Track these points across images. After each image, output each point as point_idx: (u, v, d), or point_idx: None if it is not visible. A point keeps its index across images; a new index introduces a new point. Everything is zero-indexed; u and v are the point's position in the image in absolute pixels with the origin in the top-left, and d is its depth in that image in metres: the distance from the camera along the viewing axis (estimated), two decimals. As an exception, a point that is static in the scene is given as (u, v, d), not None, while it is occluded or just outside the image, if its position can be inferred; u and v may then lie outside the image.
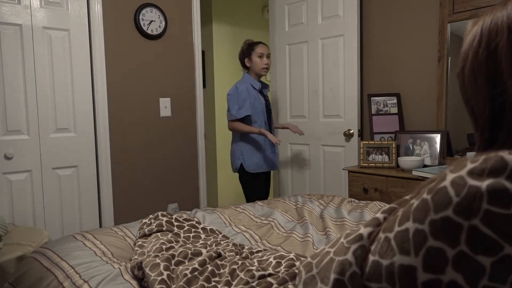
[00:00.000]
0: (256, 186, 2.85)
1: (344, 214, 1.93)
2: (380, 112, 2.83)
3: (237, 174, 2.91)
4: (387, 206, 0.60)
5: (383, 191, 2.47)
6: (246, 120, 2.78)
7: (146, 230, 1.45)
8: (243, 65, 2.91)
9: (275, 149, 2.94)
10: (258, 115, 2.82)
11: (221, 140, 4.30)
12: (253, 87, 2.83)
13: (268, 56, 2.89)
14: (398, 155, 2.64)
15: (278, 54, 3.43)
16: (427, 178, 2.16)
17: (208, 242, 1.40)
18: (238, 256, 1.25)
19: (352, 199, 2.15)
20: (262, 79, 3.05)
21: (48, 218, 2.57)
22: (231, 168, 2.90)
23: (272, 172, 3.27)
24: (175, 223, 1.52)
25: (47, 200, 2.56)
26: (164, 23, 3.01)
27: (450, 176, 0.47)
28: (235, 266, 1.13)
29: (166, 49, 3.06)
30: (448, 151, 2.58)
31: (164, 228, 1.45)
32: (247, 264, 1.15)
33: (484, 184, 0.44)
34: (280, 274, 1.09)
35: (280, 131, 3.45)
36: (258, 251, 1.33)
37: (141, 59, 2.94)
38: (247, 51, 2.87)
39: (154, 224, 1.47)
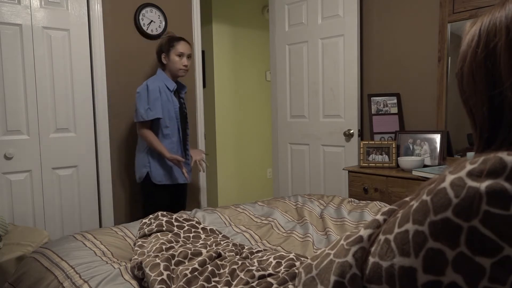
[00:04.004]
0: (157, 199, 2.53)
1: (344, 214, 1.93)
2: (380, 112, 2.83)
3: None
4: (387, 207, 0.60)
5: (383, 191, 2.47)
6: (155, 124, 2.47)
7: (146, 230, 1.45)
8: (159, 60, 2.57)
9: (187, 161, 2.64)
10: (170, 120, 2.49)
11: (221, 140, 4.30)
12: (167, 87, 2.49)
13: (189, 57, 2.54)
14: (398, 155, 2.64)
15: (278, 54, 3.43)
16: (427, 178, 2.16)
17: (208, 242, 1.40)
18: (238, 256, 1.25)
19: (352, 199, 2.15)
20: (183, 79, 2.77)
21: (48, 218, 2.57)
22: (135, 177, 2.59)
23: (272, 172, 3.22)
24: (175, 223, 1.52)
25: (47, 200, 2.56)
26: (164, 23, 3.01)
27: (450, 178, 0.47)
28: (235, 266, 1.13)
29: (166, 49, 3.06)
30: (448, 151, 2.58)
31: (164, 228, 1.45)
32: (247, 264, 1.15)
33: (483, 185, 0.43)
34: (280, 274, 1.09)
35: (280, 131, 3.45)
36: (258, 251, 1.33)
37: (141, 59, 2.94)
38: (165, 46, 2.53)
39: (154, 224, 1.47)
